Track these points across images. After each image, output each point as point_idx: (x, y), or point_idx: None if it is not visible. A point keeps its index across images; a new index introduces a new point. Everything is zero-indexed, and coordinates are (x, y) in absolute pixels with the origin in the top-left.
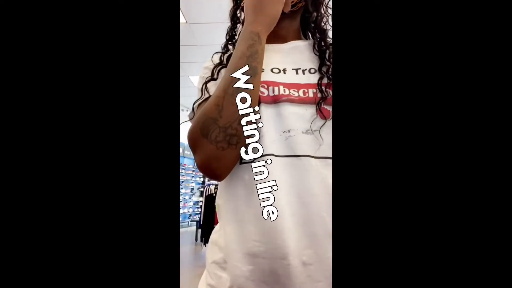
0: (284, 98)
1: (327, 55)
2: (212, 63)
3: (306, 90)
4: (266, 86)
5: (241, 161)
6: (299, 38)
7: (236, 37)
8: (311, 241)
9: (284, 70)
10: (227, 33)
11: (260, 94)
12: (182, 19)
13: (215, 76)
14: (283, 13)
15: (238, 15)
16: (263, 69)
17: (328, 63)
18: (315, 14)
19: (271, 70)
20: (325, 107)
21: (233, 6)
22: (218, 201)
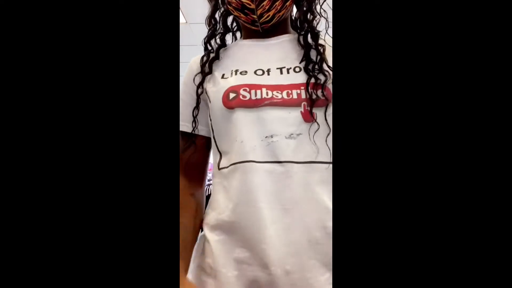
0: (266, 102)
1: (312, 53)
2: (195, 75)
3: (290, 92)
4: (248, 90)
5: (218, 166)
6: (287, 32)
7: (216, 39)
8: (294, 249)
9: (268, 71)
10: (204, 39)
11: (242, 98)
12: (182, 19)
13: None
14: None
15: (217, 18)
16: (246, 72)
17: (314, 61)
18: (310, 17)
19: (255, 72)
20: (310, 109)
21: (212, 10)
22: (207, 209)
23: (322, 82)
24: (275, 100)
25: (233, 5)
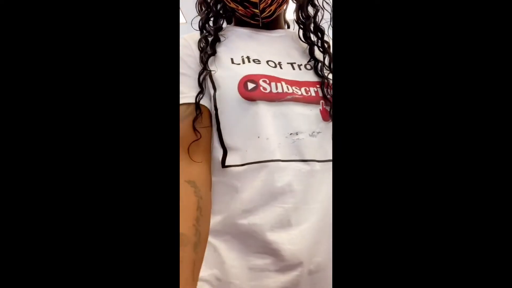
0: (289, 97)
1: (316, 49)
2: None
3: (307, 89)
4: (268, 81)
5: (223, 164)
6: (282, 26)
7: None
8: (318, 249)
9: (280, 65)
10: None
11: (263, 90)
12: (182, 19)
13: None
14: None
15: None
16: (259, 61)
17: (321, 60)
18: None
19: (267, 62)
20: (326, 107)
21: None
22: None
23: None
24: (296, 96)
25: None
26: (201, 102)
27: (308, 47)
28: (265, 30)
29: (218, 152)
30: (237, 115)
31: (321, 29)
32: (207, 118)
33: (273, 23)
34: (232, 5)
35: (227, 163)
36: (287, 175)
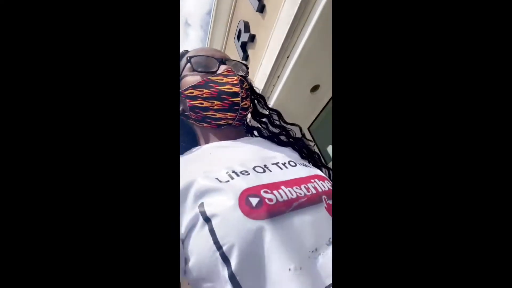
0: (295, 204)
1: (298, 145)
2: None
3: (307, 186)
4: (269, 191)
5: None
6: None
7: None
8: None
9: (266, 167)
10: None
11: (268, 202)
12: None
13: None
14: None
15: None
16: (247, 171)
17: (305, 153)
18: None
19: (254, 168)
20: (329, 202)
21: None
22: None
23: (327, 174)
24: (301, 199)
25: (216, 107)
26: None
27: (277, 141)
28: (233, 140)
29: None
30: (246, 244)
31: (300, 128)
32: None
33: (236, 134)
34: (221, 114)
35: None
36: None
